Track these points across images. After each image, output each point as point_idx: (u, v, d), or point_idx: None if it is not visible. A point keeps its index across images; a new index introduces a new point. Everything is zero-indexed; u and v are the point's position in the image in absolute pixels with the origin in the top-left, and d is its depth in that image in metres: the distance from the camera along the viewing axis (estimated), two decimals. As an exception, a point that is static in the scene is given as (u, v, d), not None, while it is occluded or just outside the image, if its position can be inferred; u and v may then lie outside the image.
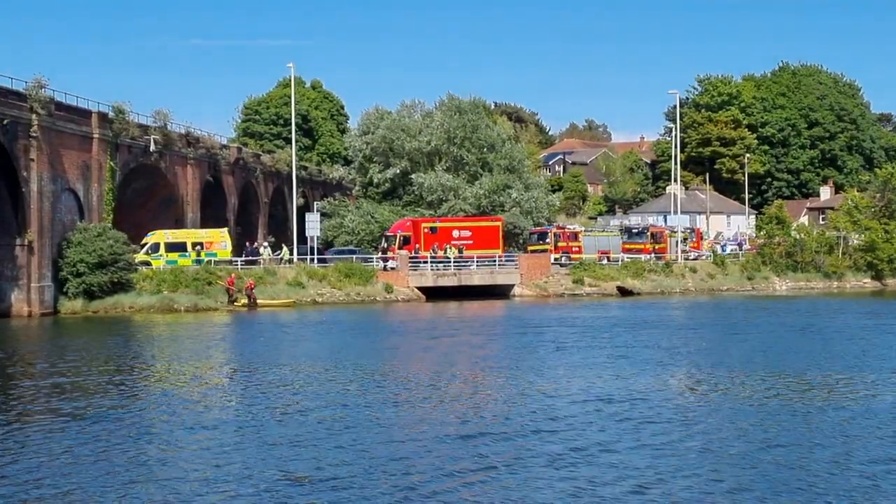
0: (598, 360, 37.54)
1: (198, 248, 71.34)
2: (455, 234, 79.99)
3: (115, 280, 63.45)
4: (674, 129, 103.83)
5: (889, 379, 31.66)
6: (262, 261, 73.95)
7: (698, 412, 26.21)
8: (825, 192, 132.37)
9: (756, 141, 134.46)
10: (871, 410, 26.30)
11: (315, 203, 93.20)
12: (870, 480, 19.21)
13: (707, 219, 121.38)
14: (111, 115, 70.05)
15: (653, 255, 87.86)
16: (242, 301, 66.10)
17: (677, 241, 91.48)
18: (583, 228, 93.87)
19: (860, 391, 29.53)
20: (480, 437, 23.19)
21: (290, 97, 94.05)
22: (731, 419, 25.11)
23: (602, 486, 18.98)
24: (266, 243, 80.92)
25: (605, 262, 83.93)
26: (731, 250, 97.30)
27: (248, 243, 79.15)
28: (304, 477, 19.48)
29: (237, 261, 72.46)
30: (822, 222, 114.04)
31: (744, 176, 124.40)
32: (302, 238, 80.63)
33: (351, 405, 27.54)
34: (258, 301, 66.45)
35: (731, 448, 21.86)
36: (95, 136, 67.64)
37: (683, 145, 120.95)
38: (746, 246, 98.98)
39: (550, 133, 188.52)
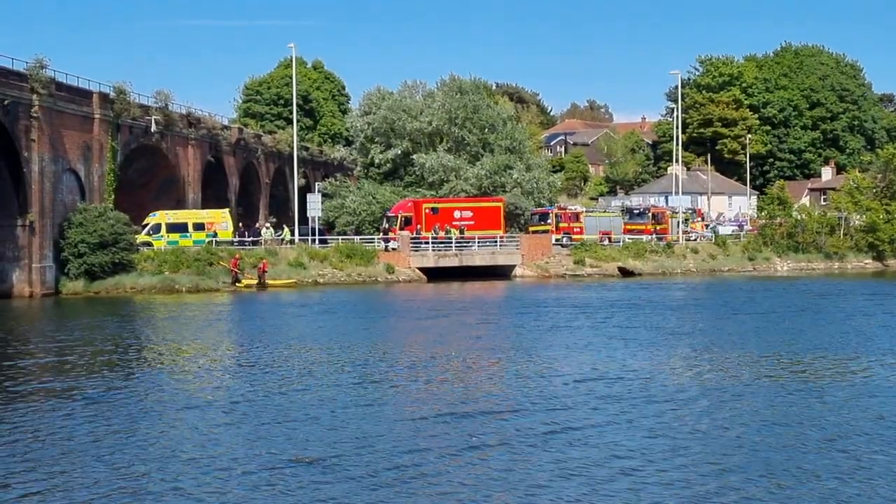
0: (591, 339, 37.77)
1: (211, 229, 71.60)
2: (456, 214, 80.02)
3: (117, 260, 63.49)
4: (675, 110, 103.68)
5: (880, 360, 31.78)
6: (263, 241, 73.97)
7: (687, 392, 26.41)
8: (827, 173, 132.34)
9: (758, 121, 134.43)
10: (861, 390, 26.47)
11: (316, 184, 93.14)
12: (858, 461, 19.32)
13: (708, 199, 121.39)
14: (112, 95, 69.96)
15: (654, 235, 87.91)
16: (245, 281, 66.14)
17: (678, 222, 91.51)
18: (584, 209, 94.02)
19: (852, 371, 29.71)
20: (468, 416, 23.41)
21: (291, 77, 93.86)
22: (722, 399, 25.28)
23: (584, 465, 19.18)
24: (268, 224, 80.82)
25: (606, 242, 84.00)
26: (733, 231, 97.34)
27: (241, 225, 78.39)
28: (301, 458, 19.56)
29: (247, 241, 72.59)
30: (823, 203, 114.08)
31: (745, 156, 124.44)
32: (303, 219, 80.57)
33: (343, 385, 27.82)
34: (267, 282, 66.65)
35: (719, 428, 22.04)
36: (96, 116, 67.61)
37: (685, 126, 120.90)
38: (748, 227, 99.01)
39: (552, 113, 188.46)
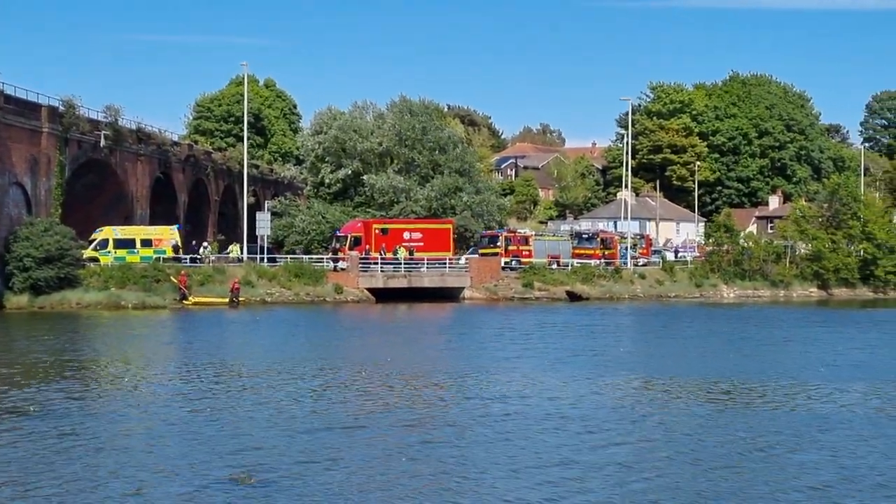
0: (510, 360, 38.54)
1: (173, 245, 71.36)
2: (406, 235, 79.93)
3: (62, 275, 62.92)
4: (626, 136, 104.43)
5: (804, 386, 32.19)
6: (206, 259, 73.61)
7: (579, 412, 26.74)
8: (774, 201, 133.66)
9: (707, 149, 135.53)
10: (782, 417, 26.77)
11: (266, 202, 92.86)
12: (773, 486, 19.50)
13: (657, 225, 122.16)
14: (61, 109, 69.44)
15: (602, 260, 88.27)
16: (192, 299, 65.78)
17: (627, 247, 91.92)
18: (533, 233, 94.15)
19: (769, 398, 30.06)
20: (351, 429, 24.26)
21: (242, 95, 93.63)
22: (612, 420, 25.70)
23: (451, 480, 19.64)
24: (206, 243, 79.93)
25: (554, 266, 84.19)
26: (681, 257, 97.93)
27: (175, 242, 75.36)
28: (240, 476, 19.55)
29: (185, 258, 72.13)
30: (770, 231, 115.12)
31: (694, 183, 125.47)
32: (252, 237, 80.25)
33: (259, 398, 28.49)
34: (240, 300, 66.82)
35: (630, 454, 22.18)
36: (45, 130, 67.02)
37: (635, 152, 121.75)
38: (694, 253, 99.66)
39: (503, 137, 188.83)
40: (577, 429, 24.61)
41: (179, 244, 72.67)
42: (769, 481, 19.76)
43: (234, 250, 78.20)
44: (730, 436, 23.93)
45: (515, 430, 24.37)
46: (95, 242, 69.92)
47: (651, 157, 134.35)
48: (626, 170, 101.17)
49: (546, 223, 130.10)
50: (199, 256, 73.66)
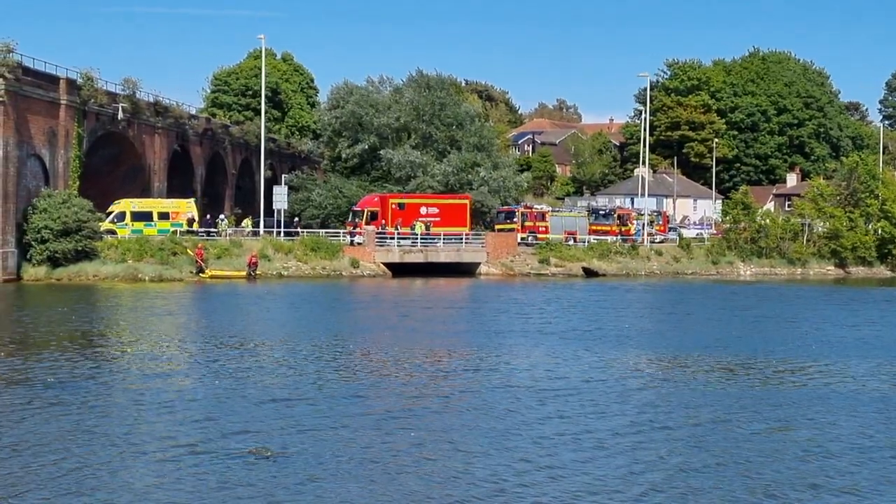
0: (510, 336, 38.38)
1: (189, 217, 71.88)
2: (423, 210, 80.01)
3: (80, 248, 63.15)
4: (643, 112, 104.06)
5: (808, 363, 32.12)
6: (222, 232, 73.77)
7: (595, 391, 26.59)
8: (792, 179, 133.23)
9: (725, 126, 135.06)
10: (799, 394, 26.68)
11: (283, 176, 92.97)
12: (794, 466, 19.39)
13: (674, 202, 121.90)
14: (79, 81, 69.50)
15: (619, 237, 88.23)
16: (209, 272, 65.97)
17: (643, 224, 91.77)
18: (550, 209, 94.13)
19: (772, 374, 29.98)
20: (330, 397, 23.78)
21: (260, 69, 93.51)
22: (627, 399, 25.52)
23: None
24: (222, 216, 80.00)
25: (571, 242, 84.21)
26: (695, 236, 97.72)
27: (190, 215, 74.17)
28: (258, 450, 19.58)
29: (202, 231, 72.32)
30: (787, 209, 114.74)
31: (712, 160, 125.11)
32: (269, 211, 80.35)
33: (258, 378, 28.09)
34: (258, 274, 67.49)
35: (620, 429, 22.08)
36: (63, 102, 67.10)
37: (652, 128, 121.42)
38: (710, 230, 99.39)
39: (520, 112, 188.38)
40: (572, 402, 24.69)
41: (195, 217, 72.84)
42: (758, 454, 19.82)
43: (247, 224, 78.43)
44: (725, 411, 23.91)
45: (506, 401, 24.53)
46: (113, 215, 70.10)
47: (669, 133, 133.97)
48: (644, 146, 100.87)
49: (563, 199, 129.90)
50: (214, 230, 73.73)
